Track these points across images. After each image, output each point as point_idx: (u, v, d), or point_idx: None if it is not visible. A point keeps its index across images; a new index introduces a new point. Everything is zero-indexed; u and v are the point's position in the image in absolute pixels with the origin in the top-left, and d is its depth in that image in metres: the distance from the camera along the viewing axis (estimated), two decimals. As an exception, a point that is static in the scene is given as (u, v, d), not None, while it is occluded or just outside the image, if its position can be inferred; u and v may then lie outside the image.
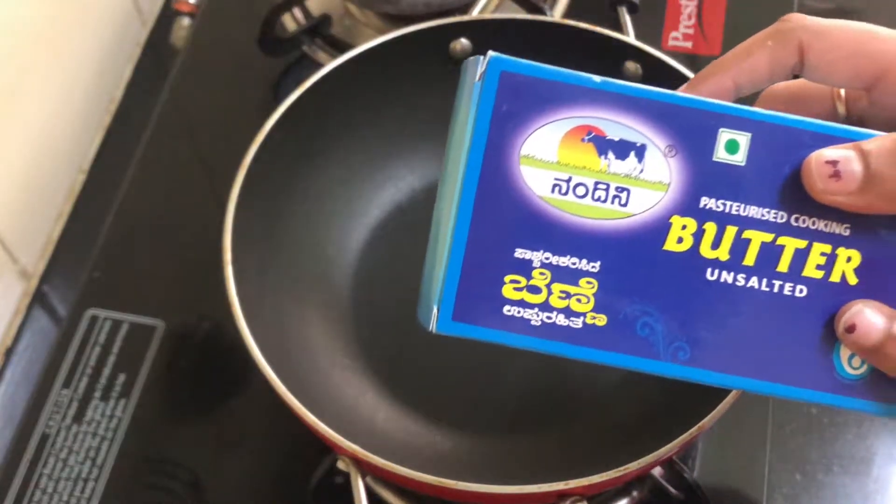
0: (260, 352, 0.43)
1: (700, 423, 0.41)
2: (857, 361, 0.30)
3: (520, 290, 0.29)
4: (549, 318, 0.29)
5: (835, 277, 0.29)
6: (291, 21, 0.66)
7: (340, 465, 0.44)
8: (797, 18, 0.30)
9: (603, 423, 0.50)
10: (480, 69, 0.28)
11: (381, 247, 0.55)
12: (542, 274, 0.29)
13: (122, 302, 0.56)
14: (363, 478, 0.43)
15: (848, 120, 0.33)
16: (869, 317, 0.29)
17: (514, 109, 0.28)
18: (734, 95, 0.31)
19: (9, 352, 0.59)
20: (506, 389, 0.51)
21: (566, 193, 0.29)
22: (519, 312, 0.29)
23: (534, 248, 0.29)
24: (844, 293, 0.29)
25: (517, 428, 0.50)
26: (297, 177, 0.52)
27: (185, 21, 0.69)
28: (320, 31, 0.65)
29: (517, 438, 0.50)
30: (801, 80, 0.33)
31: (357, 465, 0.43)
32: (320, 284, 0.53)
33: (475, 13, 0.61)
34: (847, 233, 0.29)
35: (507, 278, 0.29)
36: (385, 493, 0.47)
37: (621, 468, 0.40)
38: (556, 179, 0.29)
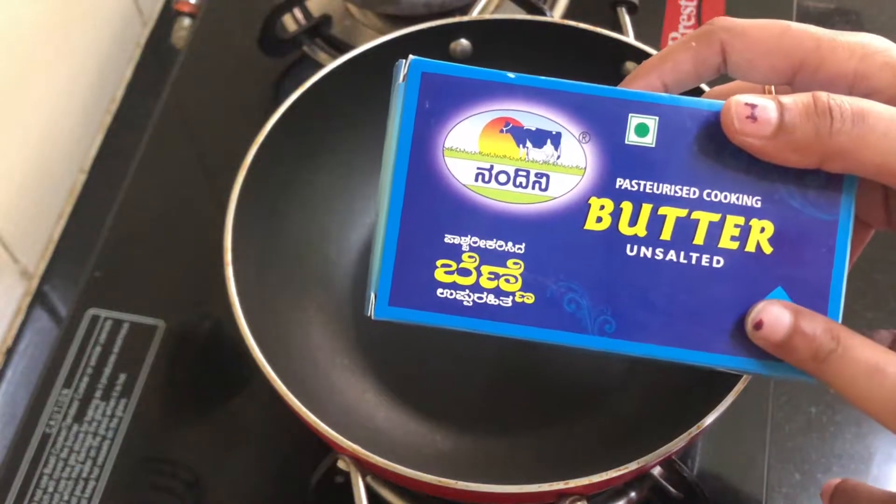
0: (260, 352, 0.43)
1: (700, 423, 0.41)
2: None
3: (451, 273, 0.31)
4: (480, 298, 0.31)
5: (750, 248, 0.31)
6: (292, 21, 0.66)
7: (341, 464, 0.44)
8: (720, 20, 0.32)
9: (603, 422, 0.50)
10: (403, 71, 0.31)
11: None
12: (471, 257, 0.31)
13: (123, 302, 0.56)
14: (363, 477, 0.43)
15: None
16: (775, 313, 0.30)
17: (435, 106, 0.31)
18: (664, 94, 0.33)
19: (10, 351, 0.60)
20: (506, 390, 0.52)
21: (489, 181, 0.31)
22: (451, 294, 0.31)
23: (462, 234, 0.31)
24: (760, 262, 0.31)
25: (517, 428, 0.50)
26: (298, 177, 0.53)
27: (186, 21, 0.69)
28: (320, 31, 0.66)
29: (517, 438, 0.50)
30: (738, 81, 0.34)
31: (357, 464, 0.43)
32: (320, 284, 0.53)
33: (475, 13, 0.61)
34: (759, 204, 0.31)
35: (439, 262, 0.31)
36: (385, 493, 0.47)
37: (621, 468, 0.40)
38: (479, 168, 0.31)
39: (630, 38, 0.58)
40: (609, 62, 0.52)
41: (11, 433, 0.53)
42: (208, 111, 0.65)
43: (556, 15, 0.65)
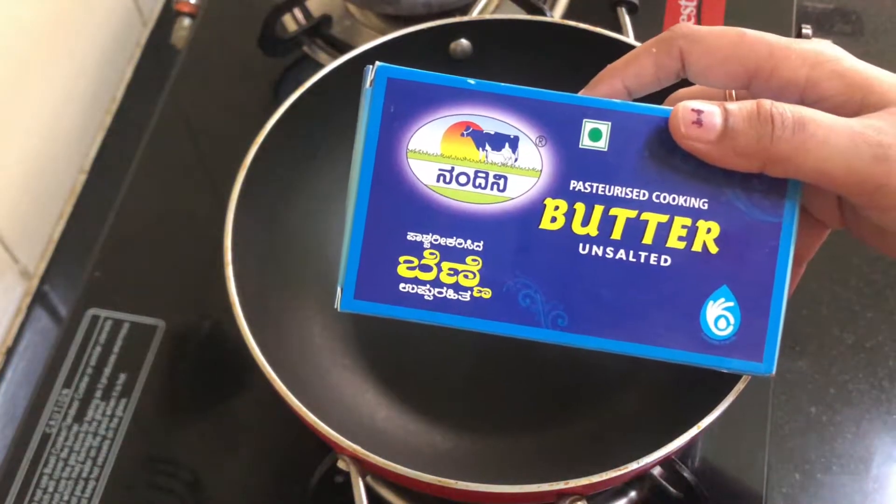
0: (260, 352, 0.43)
1: (700, 423, 0.41)
2: (722, 323, 0.33)
3: (413, 269, 0.33)
4: (440, 293, 0.33)
5: (696, 247, 0.32)
6: (292, 21, 0.66)
7: (341, 464, 0.44)
8: (680, 27, 0.34)
9: (602, 422, 0.50)
10: (370, 76, 0.33)
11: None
12: (432, 254, 0.33)
13: (123, 302, 0.56)
14: (363, 477, 0.43)
15: None
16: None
17: (400, 110, 0.32)
18: (627, 97, 0.34)
19: (10, 351, 0.60)
20: (505, 390, 0.52)
21: (450, 182, 0.32)
22: (413, 289, 0.33)
23: (423, 231, 0.33)
24: (706, 261, 0.32)
25: (517, 428, 0.50)
26: (298, 177, 0.53)
27: (186, 21, 0.69)
28: (320, 31, 0.66)
29: (517, 438, 0.50)
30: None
31: (357, 464, 0.43)
32: (320, 284, 0.53)
33: (475, 13, 0.61)
34: (706, 206, 0.32)
35: (402, 258, 0.33)
36: (385, 493, 0.47)
37: (621, 468, 0.40)
38: (441, 170, 0.32)
39: (630, 38, 0.58)
40: (609, 62, 0.52)
41: (11, 433, 0.53)
42: (208, 111, 0.65)
43: (556, 15, 0.65)
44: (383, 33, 0.52)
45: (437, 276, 0.33)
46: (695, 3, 0.66)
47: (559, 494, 0.41)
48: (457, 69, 0.54)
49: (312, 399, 0.43)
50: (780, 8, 0.65)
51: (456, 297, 0.33)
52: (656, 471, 0.47)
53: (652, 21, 0.65)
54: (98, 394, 0.53)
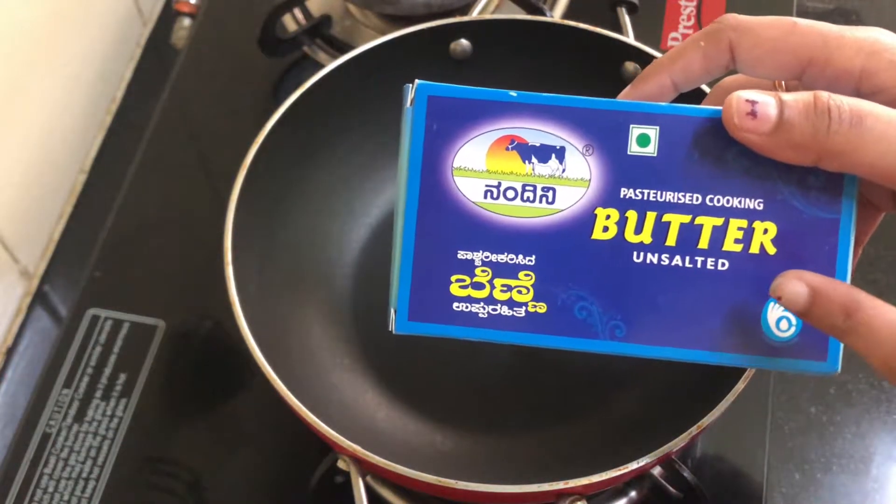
0: (260, 352, 0.43)
1: (700, 423, 0.41)
2: (784, 325, 0.32)
3: (465, 287, 0.32)
4: (494, 310, 0.32)
5: (754, 249, 0.32)
6: (292, 21, 0.66)
7: (341, 464, 0.44)
8: (727, 18, 0.32)
9: (602, 422, 0.50)
10: (410, 95, 0.32)
11: (381, 247, 0.55)
12: (483, 271, 0.32)
13: (123, 302, 0.56)
14: (363, 477, 0.43)
15: None
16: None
17: (443, 128, 0.32)
18: (674, 93, 0.33)
19: (10, 351, 0.60)
20: (506, 390, 0.52)
21: (497, 198, 0.32)
22: (467, 308, 0.32)
23: (474, 249, 0.32)
24: (764, 263, 0.32)
25: (517, 428, 0.50)
26: (298, 177, 0.53)
27: (186, 21, 0.69)
28: (321, 31, 0.66)
29: (517, 438, 0.50)
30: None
31: (357, 464, 0.43)
32: (320, 284, 0.53)
33: (475, 13, 0.61)
34: (761, 206, 0.32)
35: (454, 278, 0.32)
36: (385, 493, 0.47)
37: (621, 468, 0.40)
38: (487, 186, 0.32)
39: (630, 38, 0.58)
40: (609, 62, 0.52)
41: (11, 433, 0.53)
42: (208, 111, 0.65)
43: (556, 15, 0.65)
44: (383, 33, 0.53)
45: (491, 293, 0.32)
46: (695, 3, 0.66)
47: (559, 494, 0.41)
48: (457, 69, 0.55)
49: (312, 399, 0.43)
50: (779, 8, 0.65)
51: (511, 314, 0.32)
52: (656, 471, 0.47)
53: (652, 21, 0.65)
54: (98, 394, 0.53)
